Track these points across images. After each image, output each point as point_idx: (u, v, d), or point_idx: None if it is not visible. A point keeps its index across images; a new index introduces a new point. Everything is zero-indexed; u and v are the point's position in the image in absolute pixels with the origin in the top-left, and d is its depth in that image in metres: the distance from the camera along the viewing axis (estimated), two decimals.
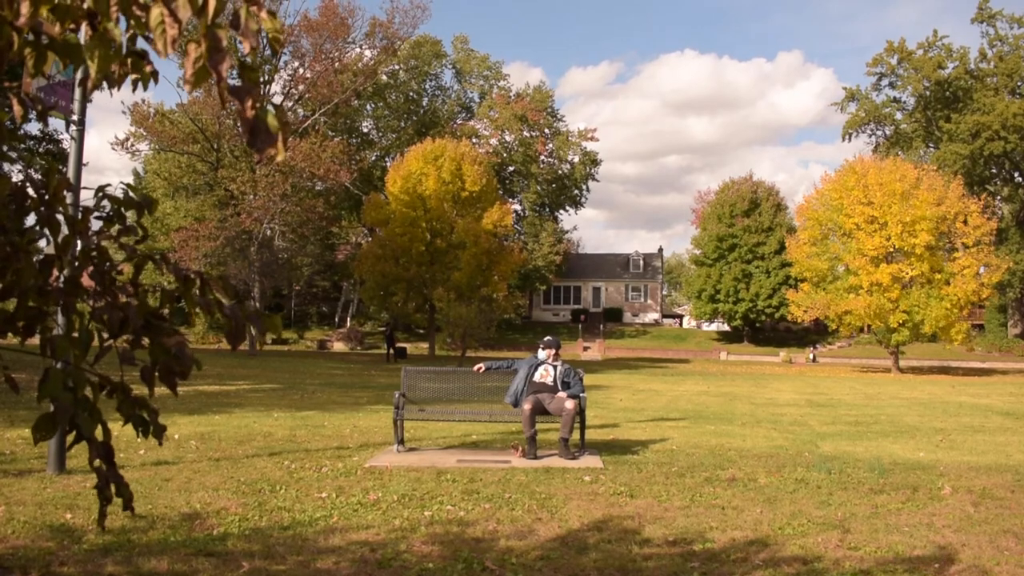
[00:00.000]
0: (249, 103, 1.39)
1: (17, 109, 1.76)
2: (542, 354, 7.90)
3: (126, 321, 1.61)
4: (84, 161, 6.17)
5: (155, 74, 1.59)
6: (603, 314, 59.14)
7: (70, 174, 5.87)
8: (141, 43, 1.55)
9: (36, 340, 1.74)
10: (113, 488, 1.74)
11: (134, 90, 1.61)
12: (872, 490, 6.16)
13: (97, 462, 1.70)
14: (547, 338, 8.07)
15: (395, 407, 7.63)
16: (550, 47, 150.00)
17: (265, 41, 1.57)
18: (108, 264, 1.75)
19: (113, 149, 38.40)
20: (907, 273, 32.35)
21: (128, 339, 1.64)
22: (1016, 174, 51.07)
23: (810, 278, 35.49)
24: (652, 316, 61.71)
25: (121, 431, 1.98)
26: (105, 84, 1.64)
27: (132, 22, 1.43)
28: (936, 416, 13.38)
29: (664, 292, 71.22)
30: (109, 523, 4.43)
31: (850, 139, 53.58)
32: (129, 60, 1.55)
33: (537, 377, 7.80)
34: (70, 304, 1.67)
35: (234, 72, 1.46)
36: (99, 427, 1.69)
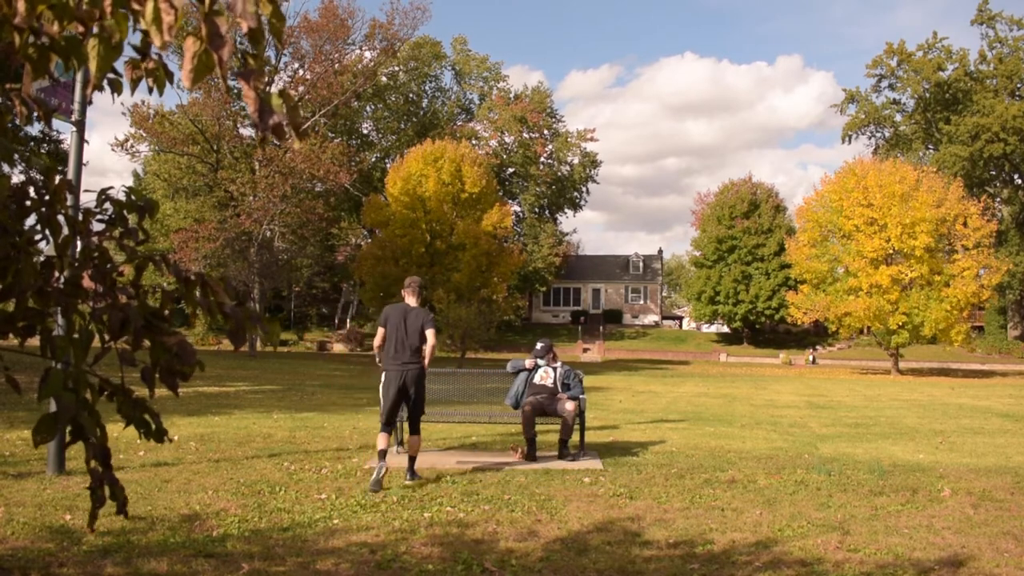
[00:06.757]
0: (252, 83, 1.38)
1: (20, 111, 1.76)
2: (540, 361, 7.87)
3: (126, 322, 1.61)
4: (84, 162, 6.17)
5: (169, 75, 1.58)
6: (603, 316, 59.12)
7: (70, 175, 5.87)
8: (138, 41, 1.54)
9: (36, 341, 1.74)
10: (108, 491, 1.73)
11: (150, 92, 1.60)
12: (872, 492, 6.16)
13: (93, 463, 1.69)
14: (539, 346, 7.96)
15: None
16: (550, 50, 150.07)
17: (271, 41, 1.56)
18: (109, 265, 1.74)
19: (113, 150, 38.42)
20: (907, 275, 32.34)
21: (128, 340, 1.64)
22: (1016, 176, 51.07)
23: (810, 280, 35.48)
24: (652, 318, 61.69)
25: (121, 433, 1.98)
26: (109, 87, 1.64)
27: (138, 21, 1.42)
28: (936, 418, 13.38)
29: (664, 294, 71.20)
30: (108, 524, 4.42)
31: (850, 141, 53.62)
32: (143, 63, 1.54)
33: (537, 379, 7.80)
34: (71, 305, 1.67)
35: (234, 77, 1.45)
36: (98, 429, 1.68)
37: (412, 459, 6.24)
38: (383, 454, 6.01)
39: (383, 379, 6.37)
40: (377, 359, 6.54)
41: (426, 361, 6.33)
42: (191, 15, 1.46)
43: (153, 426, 1.72)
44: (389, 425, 6.25)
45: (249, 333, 1.69)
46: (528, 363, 7.78)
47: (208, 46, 1.34)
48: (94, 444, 1.66)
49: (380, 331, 6.36)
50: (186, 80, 1.37)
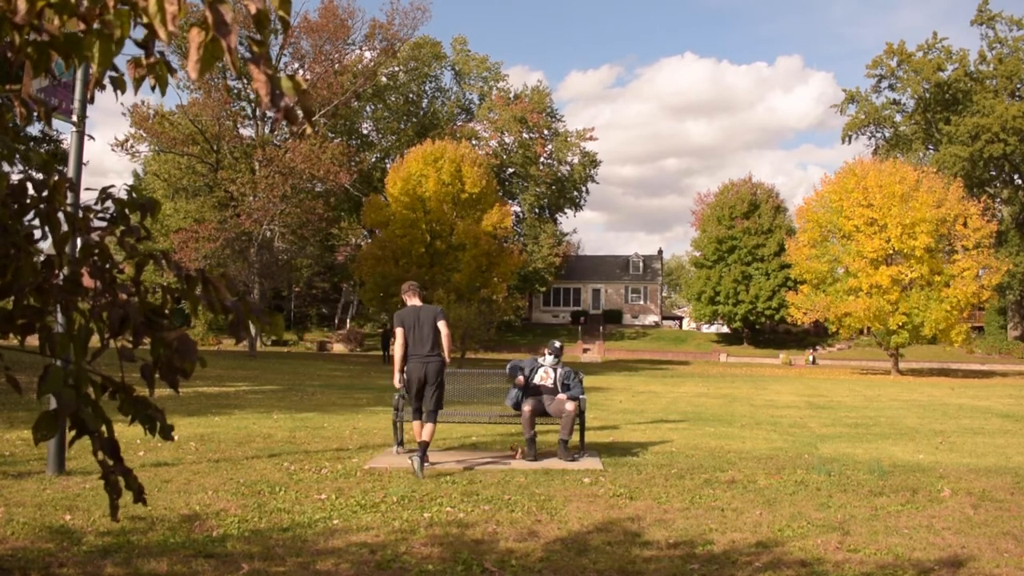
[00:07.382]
0: (262, 67, 1.37)
1: (20, 112, 1.75)
2: (549, 359, 7.88)
3: (126, 319, 1.61)
4: (84, 161, 6.16)
5: (171, 69, 1.57)
6: (603, 316, 59.10)
7: (70, 174, 5.87)
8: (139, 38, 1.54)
9: (36, 340, 1.74)
10: (122, 483, 1.73)
11: (153, 91, 1.60)
12: (872, 492, 6.15)
13: (101, 455, 1.69)
14: (556, 344, 8.02)
15: (394, 408, 7.62)
16: (550, 50, 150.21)
17: (271, 42, 1.55)
18: (109, 263, 1.74)
19: (113, 150, 38.37)
20: (907, 275, 32.34)
21: (128, 337, 1.64)
22: (1016, 176, 51.06)
23: (810, 280, 35.47)
24: (652, 318, 61.69)
25: (121, 432, 1.98)
26: (111, 84, 1.63)
27: (140, 17, 1.41)
28: (936, 418, 13.38)
29: (664, 294, 71.18)
30: (108, 524, 4.42)
31: (850, 141, 53.62)
32: (146, 59, 1.53)
33: (537, 380, 7.79)
34: (70, 302, 1.66)
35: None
36: (102, 424, 1.68)
37: (426, 444, 6.67)
38: (423, 445, 6.70)
39: (406, 373, 6.91)
40: (396, 361, 6.98)
41: (446, 353, 6.91)
42: (191, 14, 1.46)
43: (158, 423, 1.72)
44: (419, 412, 6.95)
45: (253, 326, 1.68)
46: (520, 380, 7.74)
47: (215, 33, 1.33)
48: (101, 437, 1.66)
49: (399, 331, 6.89)
50: (192, 71, 1.35)
